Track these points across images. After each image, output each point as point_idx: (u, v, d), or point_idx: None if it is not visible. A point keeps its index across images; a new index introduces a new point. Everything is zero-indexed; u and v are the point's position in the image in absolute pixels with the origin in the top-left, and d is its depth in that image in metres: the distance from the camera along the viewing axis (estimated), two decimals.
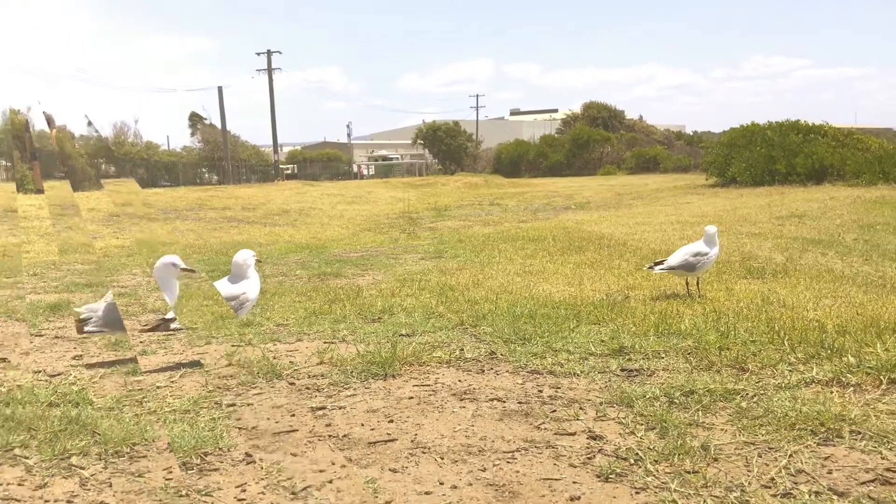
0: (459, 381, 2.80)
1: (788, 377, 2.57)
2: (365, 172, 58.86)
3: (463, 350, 3.25)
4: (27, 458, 1.97)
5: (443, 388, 2.70)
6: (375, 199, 27.81)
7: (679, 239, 9.40)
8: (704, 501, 1.60)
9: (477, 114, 79.52)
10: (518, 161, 54.36)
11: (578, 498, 1.66)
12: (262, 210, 21.22)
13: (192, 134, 65.54)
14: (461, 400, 2.53)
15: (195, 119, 64.89)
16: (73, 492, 1.81)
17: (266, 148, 65.53)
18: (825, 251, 9.45)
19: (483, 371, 2.93)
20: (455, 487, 1.75)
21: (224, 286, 3.66)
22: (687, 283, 4.45)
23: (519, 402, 2.46)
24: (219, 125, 57.64)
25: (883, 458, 1.81)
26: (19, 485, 1.76)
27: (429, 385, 2.76)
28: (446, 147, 59.65)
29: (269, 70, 60.38)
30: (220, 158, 57.33)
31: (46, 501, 1.74)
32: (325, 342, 3.67)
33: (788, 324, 3.37)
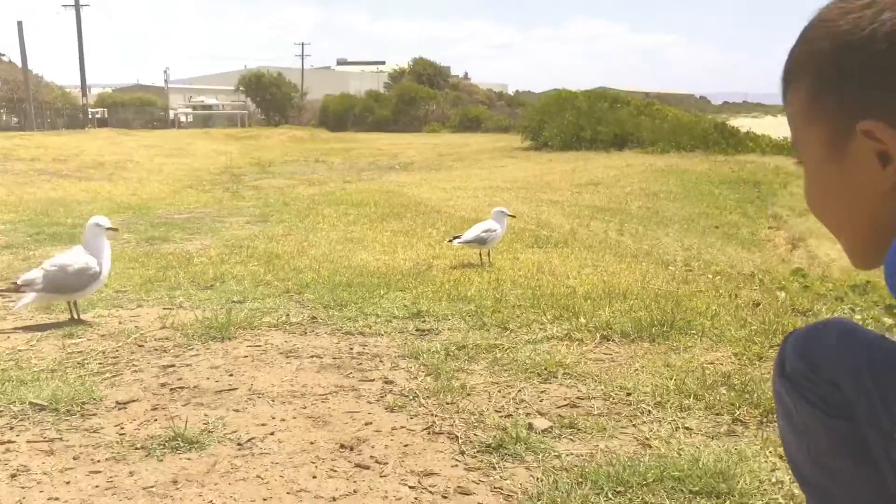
0: (286, 341, 3.46)
1: (537, 334, 3.45)
2: (183, 120, 56.44)
3: (289, 315, 3.90)
4: None
5: (272, 348, 3.35)
6: (196, 151, 27.20)
7: (488, 205, 10.40)
8: (454, 420, 2.39)
9: (302, 63, 77.84)
10: (345, 115, 54.26)
11: (371, 423, 2.40)
12: (76, 162, 20.35)
13: None
14: (287, 357, 3.20)
15: None
16: None
17: (73, 89, 61.04)
18: (611, 218, 10.82)
19: (306, 333, 3.61)
20: (283, 420, 2.44)
21: (73, 257, 3.87)
22: (480, 255, 5.32)
23: (333, 358, 3.17)
24: (19, 63, 53.10)
25: (578, 391, 2.68)
26: None
27: (260, 346, 3.40)
28: (270, 96, 58.38)
29: (77, 5, 56.05)
30: (20, 100, 52.90)
31: None
32: (164, 308, 4.19)
33: (549, 290, 4.29)
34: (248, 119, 56.32)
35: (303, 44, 75.76)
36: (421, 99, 52.91)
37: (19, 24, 50.35)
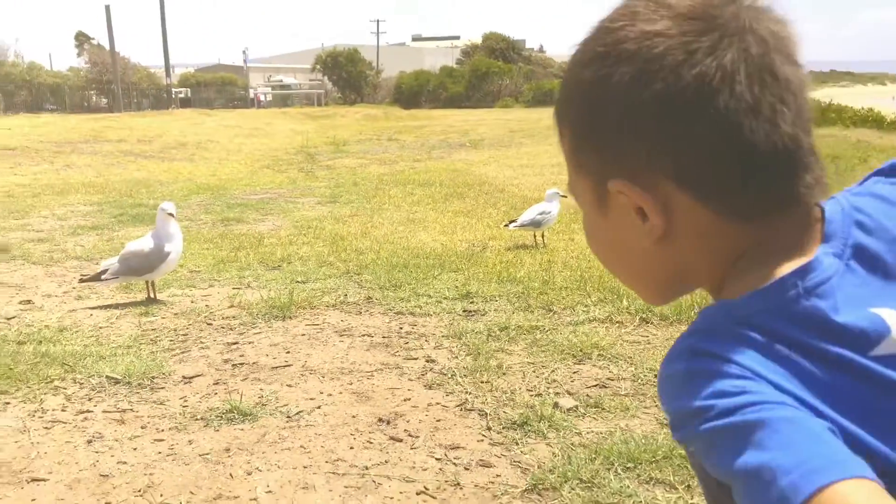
0: (341, 321, 3.68)
1: (579, 316, 3.57)
2: (262, 99, 57.64)
3: (347, 295, 4.13)
4: (65, 387, 2.75)
5: (328, 327, 3.57)
6: (274, 131, 27.87)
7: (553, 183, 10.45)
8: (486, 398, 2.55)
9: (378, 40, 78.28)
10: (418, 91, 54.47)
11: (409, 399, 2.59)
12: (159, 143, 21.16)
13: (79, 55, 62.26)
14: (341, 336, 3.42)
15: (82, 39, 61.73)
16: (63, 405, 2.62)
17: (157, 69, 62.90)
18: None
19: (361, 313, 3.82)
20: (330, 395, 2.65)
21: (145, 241, 4.19)
22: (535, 237, 5.45)
23: (383, 337, 3.37)
24: (107, 45, 55.12)
25: (609, 372, 2.81)
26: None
27: (318, 325, 3.63)
28: (346, 74, 59.02)
29: None
30: (109, 81, 54.93)
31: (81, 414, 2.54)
32: (233, 288, 4.47)
33: (598, 272, 4.39)
34: (324, 98, 57.16)
35: (378, 20, 76.13)
36: (493, 74, 52.65)
37: (107, 8, 52.22)
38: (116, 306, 4.06)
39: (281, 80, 64.87)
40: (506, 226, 5.49)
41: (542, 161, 15.08)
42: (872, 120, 20.34)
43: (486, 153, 17.57)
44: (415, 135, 26.39)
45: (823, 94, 29.81)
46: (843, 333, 0.65)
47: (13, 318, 3.88)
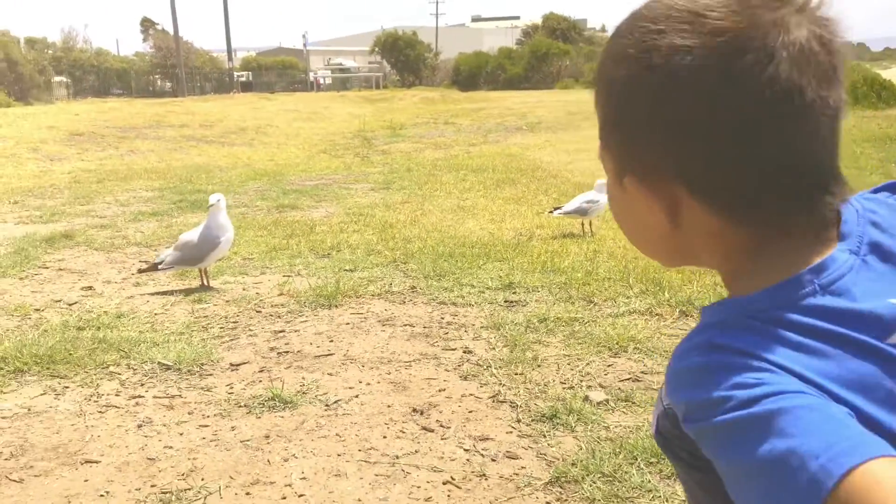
0: (385, 310, 3.77)
1: (620, 308, 3.59)
2: (322, 82, 58.18)
3: (391, 285, 4.22)
4: (120, 373, 2.91)
5: (372, 316, 3.67)
6: (332, 115, 28.17)
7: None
8: (519, 390, 2.61)
9: (437, 22, 78.08)
10: (477, 73, 54.25)
11: (444, 389, 2.66)
12: (220, 128, 21.61)
13: (144, 40, 63.61)
14: (383, 325, 3.51)
15: (147, 24, 63.11)
16: (117, 391, 2.77)
17: (220, 53, 63.91)
18: None
19: (404, 302, 3.91)
20: (368, 384, 2.74)
21: (196, 232, 4.32)
22: (582, 225, 5.45)
23: (424, 327, 3.45)
24: (171, 30, 56.29)
25: (643, 365, 2.84)
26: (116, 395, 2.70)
27: (362, 313, 3.73)
28: (405, 57, 59.13)
29: None
30: (173, 66, 56.09)
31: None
32: (283, 276, 4.60)
33: (642, 263, 4.38)
34: (383, 80, 57.41)
35: (437, 2, 75.97)
36: (553, 54, 52.10)
37: None
38: (172, 293, 4.23)
39: (340, 64, 65.39)
40: (550, 212, 5.50)
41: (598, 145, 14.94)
42: None
43: (542, 136, 17.48)
44: (471, 118, 26.35)
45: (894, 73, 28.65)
46: (861, 320, 0.67)
47: (75, 303, 4.08)
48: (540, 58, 51.84)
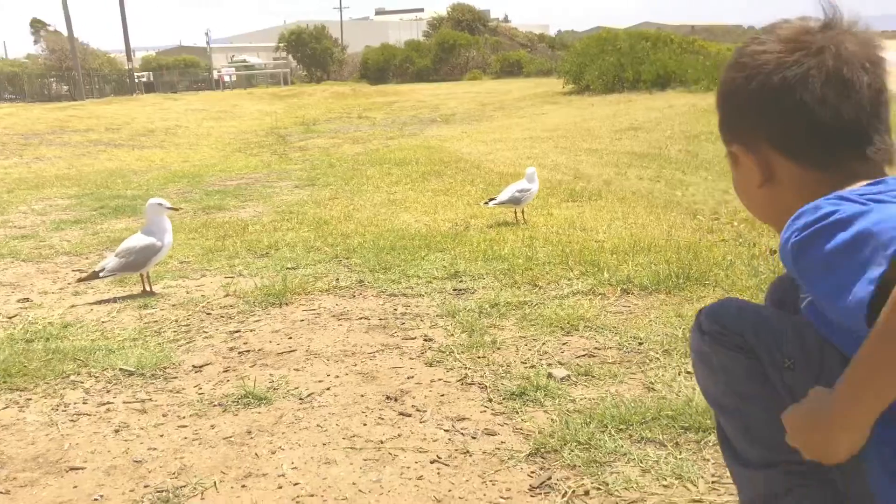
0: (337, 305, 3.84)
1: (563, 290, 3.76)
2: (227, 80, 56.92)
3: (338, 280, 4.28)
4: (82, 381, 2.89)
5: (325, 311, 3.73)
6: (242, 113, 27.71)
7: (527, 158, 10.65)
8: (484, 372, 2.74)
9: (341, 16, 77.50)
10: (385, 67, 54.16)
11: (412, 377, 2.77)
12: (127, 131, 21.00)
13: (36, 42, 60.98)
14: (338, 320, 3.58)
15: (38, 26, 60.47)
16: (83, 399, 2.76)
17: (118, 54, 61.89)
18: (648, 165, 10.94)
19: (354, 296, 3.98)
20: (337, 376, 2.82)
21: (137, 237, 4.32)
22: (515, 213, 5.62)
23: (379, 319, 3.54)
24: (64, 32, 54.12)
25: (596, 342, 3.01)
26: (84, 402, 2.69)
27: (314, 310, 3.78)
28: (311, 52, 58.49)
29: None
30: (69, 68, 53.95)
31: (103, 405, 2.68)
32: (226, 277, 4.60)
33: (577, 247, 4.58)
34: (290, 76, 56.62)
35: None
36: (461, 46, 52.51)
37: None
38: (114, 300, 4.18)
39: (245, 60, 64.13)
40: (485, 203, 5.67)
41: (514, 135, 15.23)
42: None
43: (458, 128, 17.68)
44: (385, 111, 26.36)
45: None
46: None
47: (14, 316, 3.99)
48: (447, 50, 52.15)
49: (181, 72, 60.88)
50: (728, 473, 1.85)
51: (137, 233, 4.40)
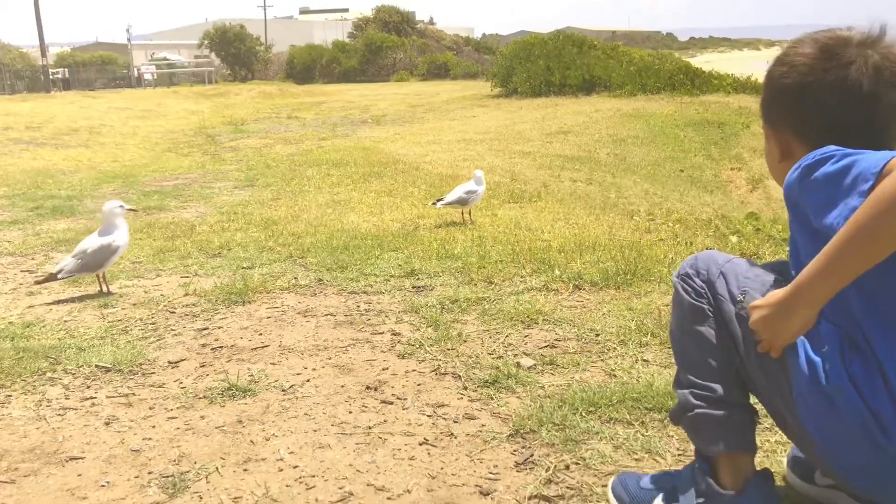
0: (300, 302, 3.95)
1: (518, 286, 3.97)
2: (147, 78, 55.46)
3: (297, 279, 4.39)
4: (59, 378, 2.93)
5: (289, 309, 3.84)
6: (167, 111, 27.17)
7: (463, 160, 10.87)
8: (455, 363, 2.91)
9: (265, 14, 76.42)
10: (311, 67, 53.76)
11: (387, 368, 2.92)
12: (49, 129, 20.38)
13: None
14: (304, 316, 3.70)
15: None
16: (65, 394, 2.82)
17: (30, 49, 59.69)
18: (580, 167, 11.32)
19: (315, 294, 4.10)
20: (314, 369, 2.95)
21: (94, 238, 4.34)
22: (462, 214, 5.82)
23: (345, 315, 3.67)
24: None
25: (555, 334, 3.22)
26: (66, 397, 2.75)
27: (278, 307, 3.89)
28: (235, 51, 57.56)
29: None
30: None
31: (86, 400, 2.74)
32: (182, 276, 4.65)
33: (526, 245, 4.80)
34: (214, 75, 55.60)
35: None
36: (388, 48, 52.58)
37: None
38: (72, 300, 4.19)
39: (165, 58, 62.62)
40: (433, 204, 5.86)
41: (447, 137, 15.45)
42: (751, 87, 21.66)
43: (390, 129, 17.80)
44: (314, 112, 26.21)
45: (706, 59, 31.25)
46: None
47: None
48: (374, 51, 52.15)
49: (98, 69, 59.03)
50: (691, 447, 2.08)
51: (94, 234, 4.41)
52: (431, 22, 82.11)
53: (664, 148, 14.40)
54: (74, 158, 14.06)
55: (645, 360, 2.87)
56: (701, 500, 1.66)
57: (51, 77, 53.03)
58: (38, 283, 4.40)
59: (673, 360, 2.49)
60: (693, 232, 5.24)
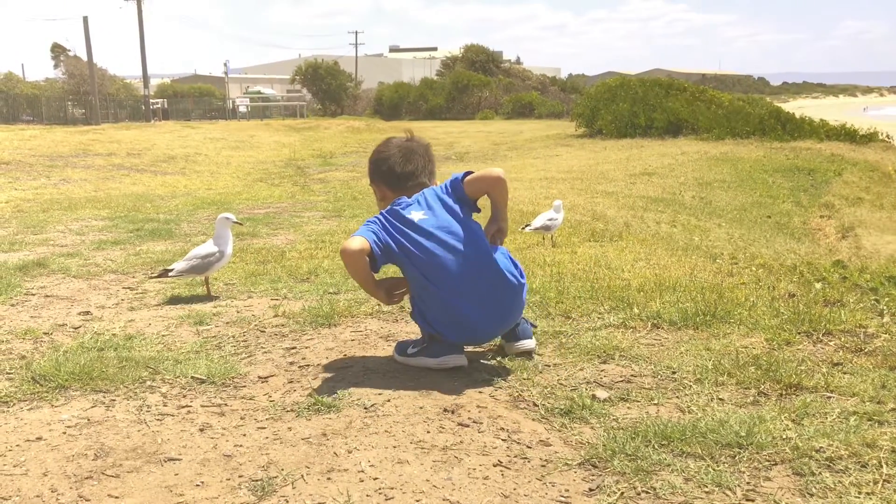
0: (382, 327, 4.10)
1: (595, 322, 4.02)
2: (242, 110, 57.64)
3: (380, 305, 4.54)
4: (158, 386, 3.15)
5: (372, 333, 3.99)
6: (259, 143, 28.17)
7: (545, 198, 10.95)
8: (531, 392, 2.99)
9: (356, 52, 78.52)
10: (399, 103, 54.85)
11: (465, 393, 3.02)
12: (149, 156, 21.41)
13: (55, 66, 61.93)
14: (386, 340, 3.84)
15: (58, 50, 61.45)
16: (163, 402, 3.02)
17: (134, 80, 62.68)
18: (664, 209, 11.26)
19: (397, 321, 4.24)
20: (395, 390, 3.07)
21: (205, 246, 4.95)
22: (544, 238, 6.68)
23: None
24: (84, 57, 55.09)
25: (631, 370, 3.26)
26: (164, 405, 2.95)
27: (361, 331, 4.04)
28: (326, 86, 59.27)
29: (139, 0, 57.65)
30: (86, 93, 54.73)
31: (181, 408, 2.94)
32: (272, 299, 4.87)
33: (605, 283, 4.85)
34: (304, 109, 57.37)
35: (356, 32, 76.62)
36: (474, 86, 53.24)
37: (85, 19, 52.16)
38: (169, 317, 4.44)
39: (259, 91, 65.02)
40: (522, 229, 6.69)
41: (529, 174, 15.58)
42: (846, 134, 21.11)
43: (472, 166, 17.96)
44: None
45: (799, 105, 30.62)
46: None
47: (79, 327, 4.26)
48: (461, 89, 52.90)
49: (196, 100, 61.63)
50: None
51: (208, 241, 4.98)
52: (518, 62, 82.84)
53: (751, 193, 14.16)
54: (171, 185, 14.76)
55: (720, 399, 2.89)
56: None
57: (151, 107, 55.69)
58: (151, 277, 5.08)
59: (750, 399, 2.53)
60: (776, 277, 5.18)
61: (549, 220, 6.49)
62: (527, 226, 6.65)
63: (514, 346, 3.45)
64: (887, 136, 21.82)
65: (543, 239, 6.74)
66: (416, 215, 3.25)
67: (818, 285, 5.07)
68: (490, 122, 42.43)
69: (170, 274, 4.78)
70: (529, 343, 3.46)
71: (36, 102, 53.04)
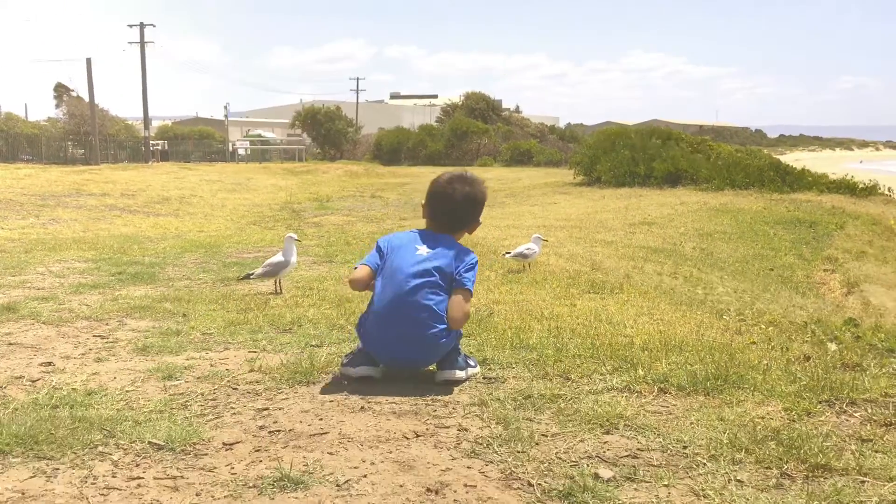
0: (365, 387, 3.77)
1: (597, 385, 3.70)
2: (241, 153, 57.79)
3: None
4: (110, 453, 2.81)
5: (354, 393, 3.66)
6: (256, 186, 28.03)
7: (543, 246, 10.65)
8: (526, 468, 2.66)
9: (357, 98, 79.18)
10: (398, 149, 55.06)
11: (450, 468, 2.69)
12: (143, 197, 21.20)
13: (57, 106, 62.34)
14: (368, 403, 3.51)
15: (60, 90, 61.87)
16: (112, 472, 2.68)
17: (134, 121, 62.99)
18: (665, 260, 10.97)
19: (382, 380, 3.91)
20: (373, 463, 2.74)
21: (277, 256, 6.55)
22: (523, 266, 7.60)
23: (411, 405, 3.47)
24: (86, 97, 55.37)
25: (638, 442, 2.93)
26: (113, 476, 2.62)
27: (341, 392, 3.71)
28: (326, 131, 59.55)
29: (142, 43, 58.23)
30: (86, 133, 54.91)
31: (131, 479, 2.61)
32: (250, 351, 4.54)
33: (607, 340, 4.53)
34: (304, 153, 57.52)
35: (358, 79, 77.37)
36: (473, 133, 53.50)
37: (88, 60, 52.55)
38: (137, 370, 4.12)
39: (260, 135, 65.29)
40: (504, 255, 7.84)
41: (527, 222, 15.34)
42: (846, 186, 20.96)
43: None
44: (397, 192, 26.60)
45: (796, 157, 30.68)
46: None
47: (38, 380, 3.93)
48: (460, 136, 53.14)
49: (196, 142, 61.86)
50: None
51: (278, 253, 6.62)
52: (517, 110, 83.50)
53: (753, 245, 13.91)
54: (163, 226, 14.50)
55: (739, 481, 2.56)
56: None
57: (151, 148, 55.83)
58: (240, 279, 6.89)
59: (773, 482, 2.19)
60: (788, 336, 4.87)
61: (527, 249, 7.67)
62: (507, 252, 7.80)
63: (440, 373, 3.81)
64: (888, 189, 21.66)
65: (524, 267, 7.76)
66: (421, 249, 3.89)
67: (832, 346, 4.76)
68: (489, 169, 42.41)
69: (251, 277, 6.46)
70: (456, 374, 3.79)
71: (36, 142, 53.14)
